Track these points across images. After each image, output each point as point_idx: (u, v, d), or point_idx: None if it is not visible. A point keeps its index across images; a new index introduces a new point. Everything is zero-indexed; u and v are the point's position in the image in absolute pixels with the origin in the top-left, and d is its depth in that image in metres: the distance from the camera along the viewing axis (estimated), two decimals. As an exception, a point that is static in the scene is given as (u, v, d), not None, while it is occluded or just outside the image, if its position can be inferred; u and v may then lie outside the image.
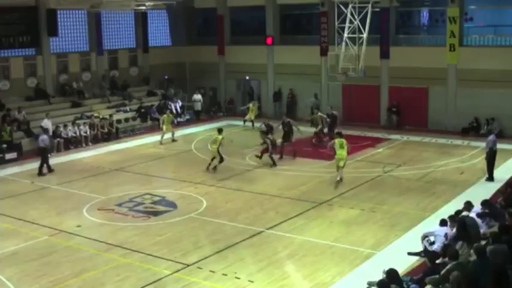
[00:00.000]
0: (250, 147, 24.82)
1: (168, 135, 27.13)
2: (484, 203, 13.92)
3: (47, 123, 25.50)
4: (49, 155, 22.65)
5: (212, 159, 21.60)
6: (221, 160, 21.43)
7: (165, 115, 27.72)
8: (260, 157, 22.36)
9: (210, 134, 28.24)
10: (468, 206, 13.91)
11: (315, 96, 30.50)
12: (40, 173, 21.64)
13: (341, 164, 19.59)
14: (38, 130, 25.84)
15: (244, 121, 30.03)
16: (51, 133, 25.23)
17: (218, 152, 21.36)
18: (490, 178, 19.29)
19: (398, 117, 28.73)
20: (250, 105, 30.29)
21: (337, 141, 19.81)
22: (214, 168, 21.43)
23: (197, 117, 32.46)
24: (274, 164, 22.01)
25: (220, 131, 22.10)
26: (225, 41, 34.60)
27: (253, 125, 29.01)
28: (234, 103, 34.50)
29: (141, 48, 33.97)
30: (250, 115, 29.82)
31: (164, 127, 26.97)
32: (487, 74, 26.40)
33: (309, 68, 31.11)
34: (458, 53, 27.31)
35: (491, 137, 19.77)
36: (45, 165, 21.88)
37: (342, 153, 19.50)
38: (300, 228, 15.46)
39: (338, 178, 19.58)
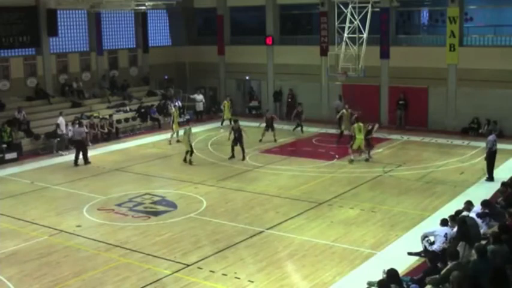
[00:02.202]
0: (251, 146, 24.85)
1: (174, 135, 26.94)
2: (484, 203, 13.91)
3: (62, 121, 25.74)
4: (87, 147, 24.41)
5: (186, 153, 22.83)
6: (191, 152, 22.72)
7: (173, 111, 27.69)
8: (232, 155, 23.22)
9: (210, 134, 28.34)
10: (468, 205, 13.91)
11: (339, 98, 29.70)
12: (76, 163, 23.08)
13: (355, 146, 22.12)
14: (38, 130, 25.97)
15: (222, 121, 29.47)
16: (64, 131, 25.35)
17: (189, 143, 22.73)
18: (490, 178, 19.29)
19: (405, 112, 28.50)
20: (225, 101, 29.94)
21: (356, 125, 22.20)
22: (190, 162, 22.63)
23: (198, 117, 32.42)
24: (233, 156, 23.19)
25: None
26: (225, 41, 34.61)
27: (230, 122, 28.31)
28: (232, 103, 34.47)
29: (141, 48, 33.98)
30: (227, 114, 29.39)
31: (174, 125, 26.81)
32: (487, 74, 26.39)
33: (309, 68, 31.10)
34: (458, 53, 27.31)
35: (491, 137, 19.77)
36: (81, 156, 23.20)
37: (360, 136, 22.03)
38: (300, 228, 15.46)
39: (362, 157, 22.28)
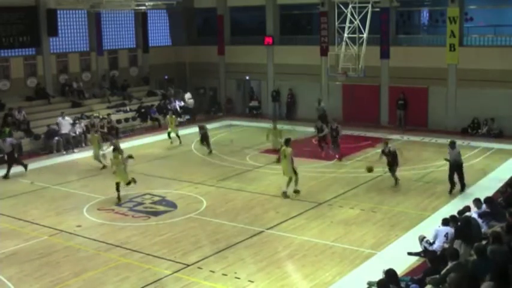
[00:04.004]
0: (251, 146, 24.88)
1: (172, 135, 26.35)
2: (487, 200, 13.90)
3: (61, 121, 25.83)
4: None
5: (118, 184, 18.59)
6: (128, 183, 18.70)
7: (168, 116, 27.19)
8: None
9: (211, 134, 28.28)
10: (478, 203, 13.84)
11: (319, 102, 29.01)
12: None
13: (285, 175, 18.19)
14: (38, 130, 26.00)
15: (169, 134, 26.45)
16: (67, 131, 25.57)
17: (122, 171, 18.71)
18: (460, 187, 18.14)
19: (405, 112, 28.40)
20: (168, 117, 27.19)
21: (283, 149, 18.39)
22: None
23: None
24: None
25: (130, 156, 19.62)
26: (225, 41, 34.61)
27: (179, 138, 26.37)
28: (233, 103, 34.55)
29: (141, 48, 33.99)
30: (171, 128, 26.38)
31: (94, 148, 23.28)
32: (487, 74, 26.39)
33: (309, 68, 31.10)
34: (458, 53, 27.31)
35: (456, 149, 18.40)
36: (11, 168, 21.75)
37: (282, 163, 18.39)
38: (300, 228, 15.45)
39: (284, 190, 18.07)
